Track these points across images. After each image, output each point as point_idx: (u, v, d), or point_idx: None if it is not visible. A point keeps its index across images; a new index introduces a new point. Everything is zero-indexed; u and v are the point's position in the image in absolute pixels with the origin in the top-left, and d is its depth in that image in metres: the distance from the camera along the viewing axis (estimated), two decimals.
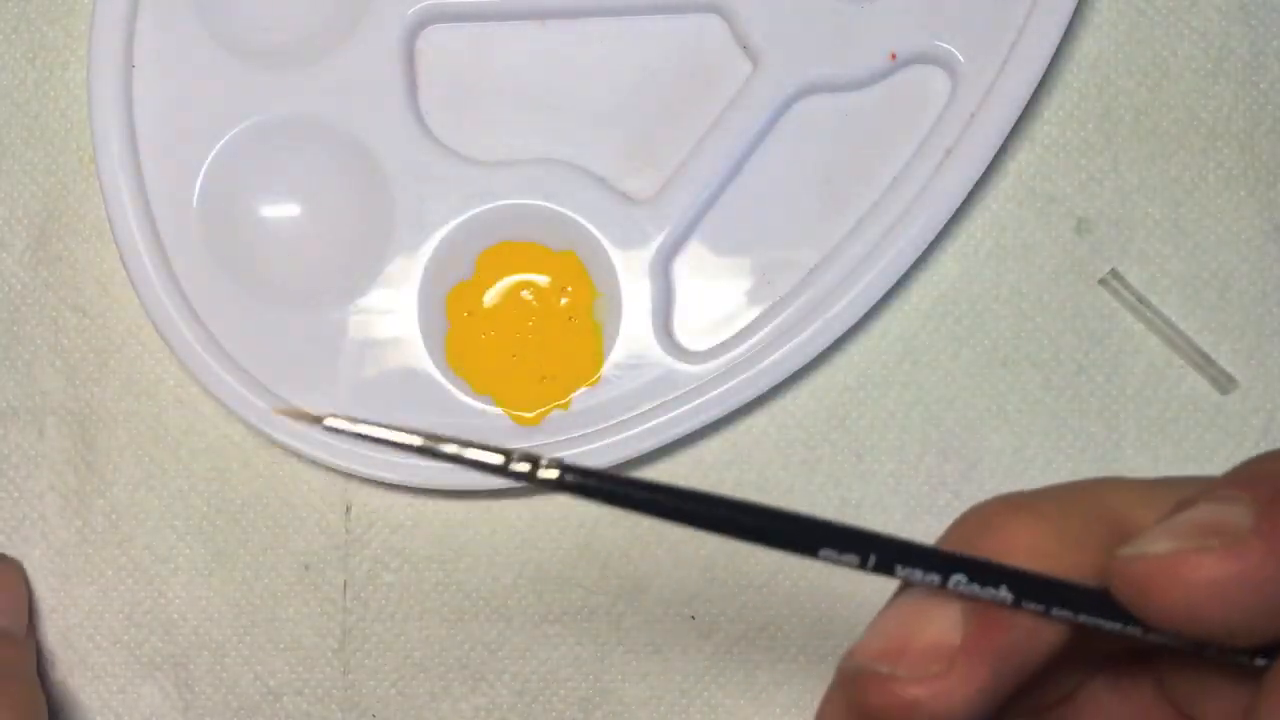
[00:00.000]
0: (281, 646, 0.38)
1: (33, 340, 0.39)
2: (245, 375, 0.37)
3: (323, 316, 0.38)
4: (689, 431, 0.37)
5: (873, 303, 0.36)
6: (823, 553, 0.20)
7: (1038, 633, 0.20)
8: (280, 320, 0.38)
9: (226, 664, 0.38)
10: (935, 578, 0.20)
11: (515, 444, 0.37)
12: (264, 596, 0.38)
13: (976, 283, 0.38)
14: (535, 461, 0.20)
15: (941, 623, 0.20)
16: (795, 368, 0.36)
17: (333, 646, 0.38)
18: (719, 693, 0.37)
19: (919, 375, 0.38)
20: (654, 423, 0.36)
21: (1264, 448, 0.37)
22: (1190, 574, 0.19)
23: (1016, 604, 0.20)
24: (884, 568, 0.20)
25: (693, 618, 0.38)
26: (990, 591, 0.20)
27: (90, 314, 0.39)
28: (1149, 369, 0.37)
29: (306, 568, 0.38)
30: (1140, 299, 0.37)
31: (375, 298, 0.37)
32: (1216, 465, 0.37)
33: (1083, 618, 0.20)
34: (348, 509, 0.38)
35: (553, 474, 0.20)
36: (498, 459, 0.20)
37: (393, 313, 0.37)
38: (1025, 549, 0.20)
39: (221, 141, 0.38)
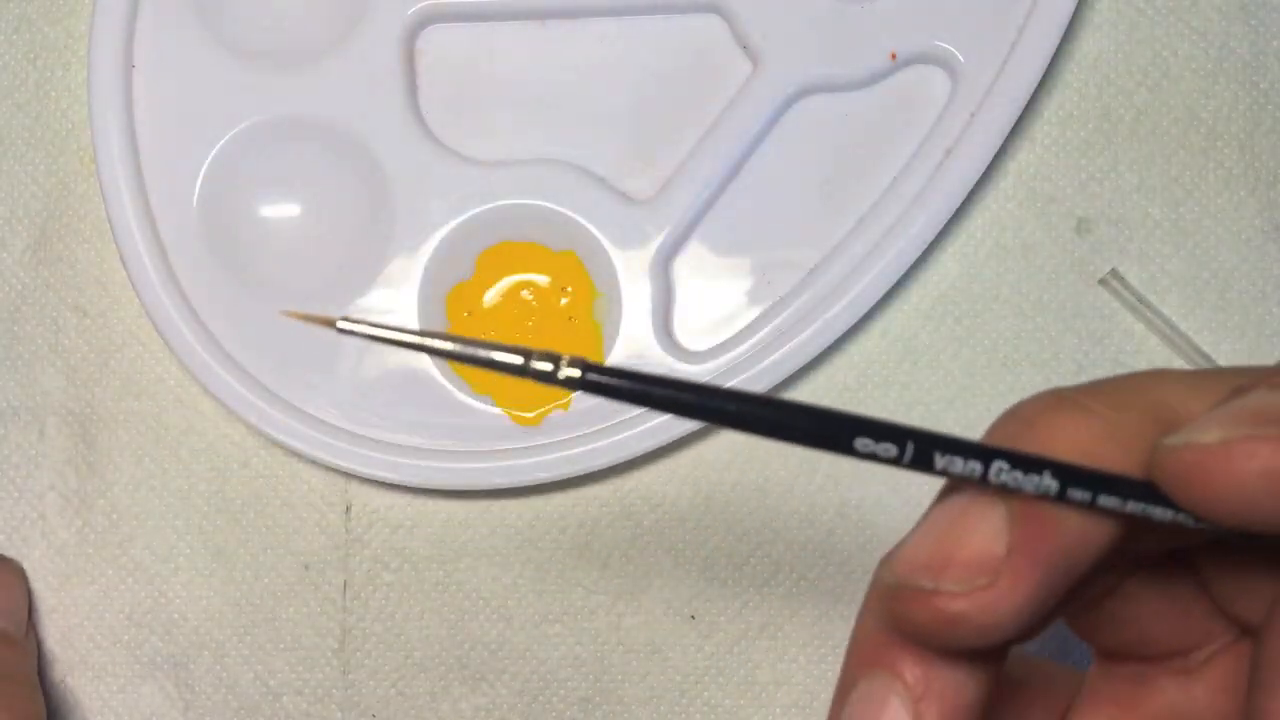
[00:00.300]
0: (281, 646, 0.38)
1: (33, 340, 0.39)
2: (245, 375, 0.37)
3: None
4: (689, 432, 0.37)
5: (873, 303, 0.36)
6: (859, 443, 0.19)
7: (1085, 536, 0.19)
8: (280, 320, 0.38)
9: (226, 664, 0.38)
10: (976, 465, 0.19)
11: (515, 443, 0.37)
12: (264, 596, 0.38)
13: (976, 283, 0.38)
14: (557, 361, 0.19)
15: (985, 530, 0.19)
16: (795, 368, 0.36)
17: (333, 646, 0.38)
18: (719, 693, 0.37)
19: (919, 375, 0.38)
20: (654, 423, 0.36)
21: None
22: (1244, 463, 0.18)
23: (1061, 494, 0.19)
24: (922, 459, 0.19)
25: (693, 618, 0.38)
26: (1034, 479, 0.19)
27: (90, 314, 0.39)
28: (1149, 369, 0.37)
29: (306, 568, 0.38)
30: (1140, 299, 0.37)
31: (375, 298, 0.37)
32: None
33: (1131, 505, 0.19)
34: (348, 509, 0.39)
35: (575, 372, 0.19)
36: (517, 359, 0.19)
37: (393, 313, 0.37)
38: (1070, 446, 0.19)
39: (221, 141, 0.38)
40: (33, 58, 0.40)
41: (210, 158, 0.38)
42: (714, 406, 0.19)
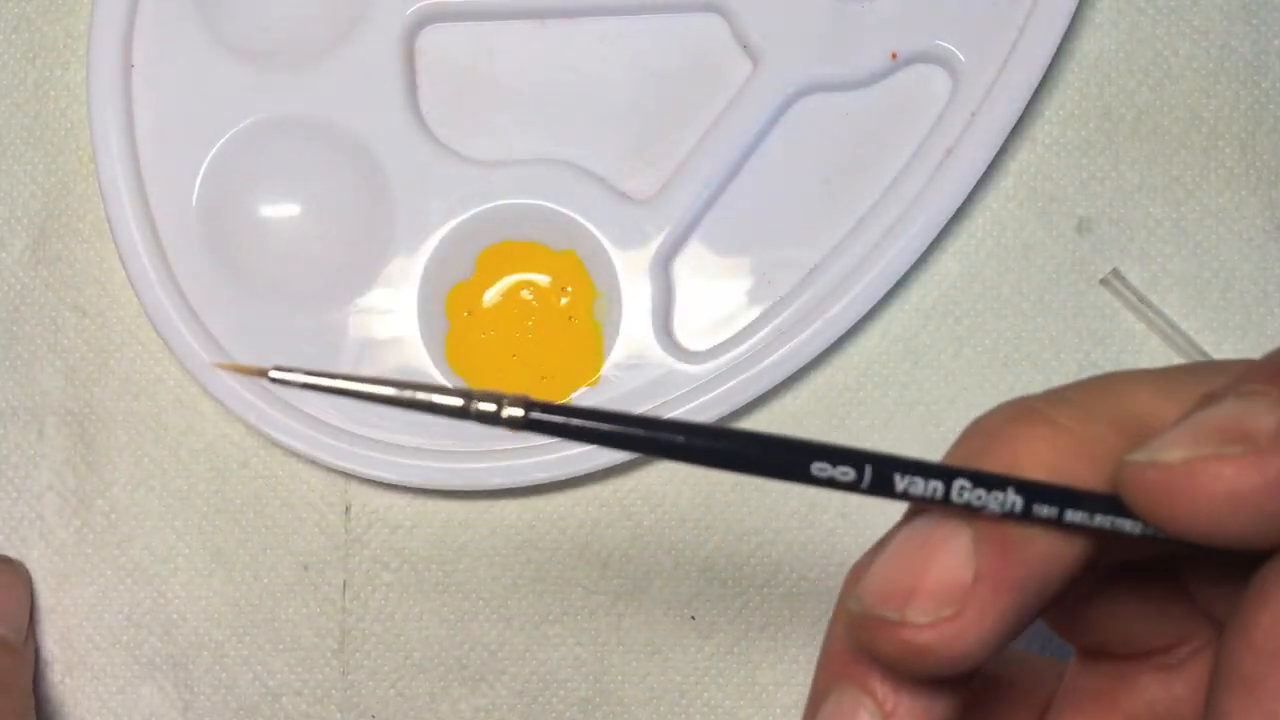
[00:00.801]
0: (281, 646, 0.38)
1: (33, 340, 0.39)
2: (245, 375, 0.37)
3: (323, 316, 0.38)
4: None
5: (873, 303, 0.36)
6: (816, 467, 0.18)
7: (1054, 556, 0.19)
8: (280, 320, 0.38)
9: (226, 664, 0.38)
10: (938, 486, 0.18)
11: (515, 444, 0.37)
12: (264, 596, 0.38)
13: (976, 283, 0.38)
14: (499, 401, 0.19)
15: (951, 557, 0.19)
16: (795, 368, 0.36)
17: (332, 647, 0.38)
18: (719, 693, 0.37)
19: (919, 375, 0.38)
20: None
21: None
22: (1208, 484, 0.18)
23: (1027, 511, 0.18)
24: (881, 483, 0.19)
25: (693, 618, 0.38)
26: (998, 497, 0.18)
27: (90, 314, 0.39)
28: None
29: (306, 568, 0.38)
30: (1141, 299, 0.37)
31: (375, 298, 0.37)
32: None
33: (1099, 520, 0.19)
34: (347, 509, 0.38)
35: (518, 412, 0.19)
36: (458, 401, 0.19)
37: (393, 313, 0.37)
38: (1036, 463, 0.19)
39: (221, 141, 0.38)
40: (32, 57, 0.40)
41: (210, 158, 0.38)
42: (663, 440, 0.19)
